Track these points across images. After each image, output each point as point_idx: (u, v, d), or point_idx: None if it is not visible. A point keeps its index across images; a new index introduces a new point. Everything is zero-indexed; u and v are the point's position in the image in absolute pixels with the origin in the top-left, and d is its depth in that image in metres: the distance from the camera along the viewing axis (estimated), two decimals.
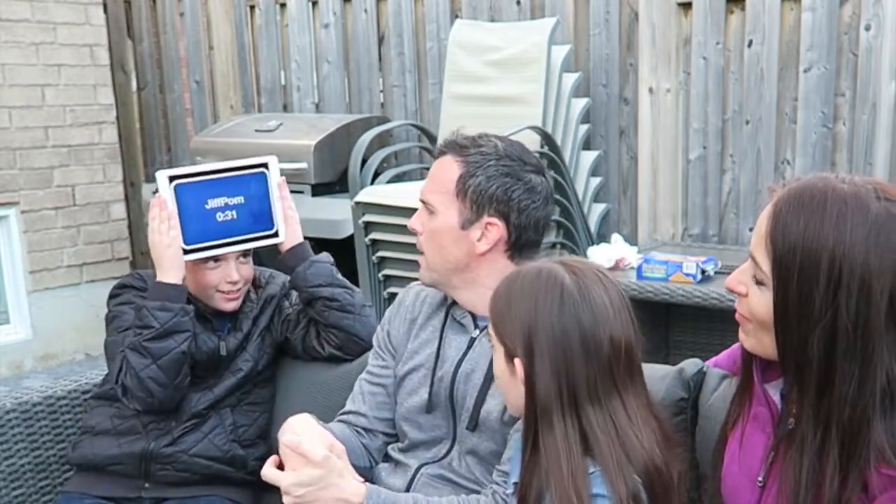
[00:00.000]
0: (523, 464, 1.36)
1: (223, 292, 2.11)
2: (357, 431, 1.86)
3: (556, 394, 1.28)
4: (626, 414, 1.31)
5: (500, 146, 1.73)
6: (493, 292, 1.42)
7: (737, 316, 1.40)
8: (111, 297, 2.16)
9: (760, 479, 1.39)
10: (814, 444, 1.28)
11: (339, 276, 2.16)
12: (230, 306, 2.13)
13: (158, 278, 2.00)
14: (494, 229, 1.70)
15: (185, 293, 2.03)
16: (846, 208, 1.24)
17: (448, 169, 1.73)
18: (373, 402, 1.86)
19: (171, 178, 2.02)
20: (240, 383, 2.16)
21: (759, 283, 1.33)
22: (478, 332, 1.76)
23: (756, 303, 1.34)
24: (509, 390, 1.42)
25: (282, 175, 2.14)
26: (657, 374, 1.74)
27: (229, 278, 2.09)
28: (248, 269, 2.15)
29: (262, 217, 2.11)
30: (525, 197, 1.71)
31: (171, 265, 2.00)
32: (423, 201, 1.76)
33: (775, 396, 1.41)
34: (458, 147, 1.74)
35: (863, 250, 1.23)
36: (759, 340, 1.37)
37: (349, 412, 1.88)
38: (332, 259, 2.18)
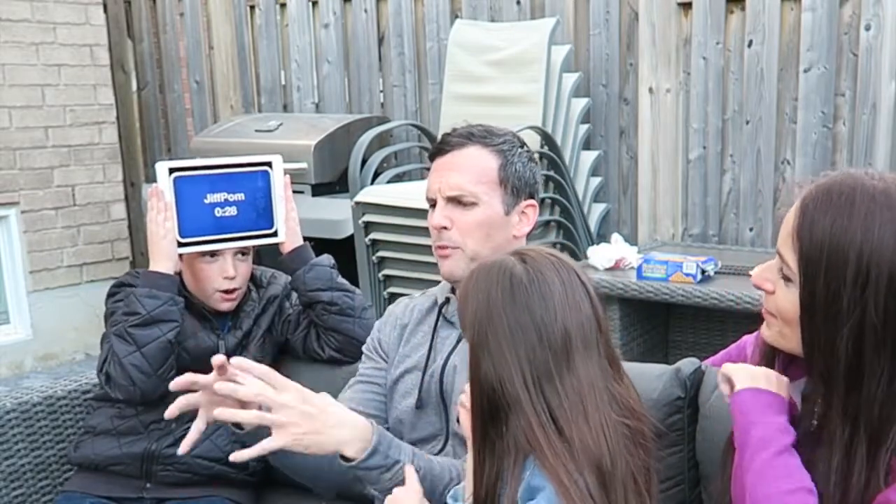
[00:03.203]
0: (480, 465, 1.34)
1: (220, 291, 2.10)
2: None
3: (522, 383, 1.28)
4: (587, 391, 1.30)
5: (512, 133, 1.81)
6: (458, 295, 1.41)
7: (763, 312, 1.39)
8: (109, 295, 2.16)
9: None
10: (842, 441, 1.26)
11: (340, 278, 2.16)
12: (226, 306, 2.12)
13: (150, 267, 2.01)
14: (532, 211, 1.79)
15: (176, 284, 2.02)
16: (875, 205, 1.23)
17: (484, 159, 1.74)
18: (362, 399, 1.85)
19: (171, 170, 2.01)
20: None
21: (786, 279, 1.31)
22: None
23: (783, 300, 1.32)
24: None
25: (286, 174, 2.14)
26: (654, 373, 1.74)
27: (225, 273, 2.09)
28: (245, 267, 2.14)
29: (262, 216, 2.10)
30: (540, 178, 1.83)
31: (163, 256, 2.00)
32: (452, 197, 1.73)
33: (796, 397, 1.40)
34: (478, 137, 1.75)
35: (891, 247, 1.21)
36: (783, 335, 1.36)
37: None
38: (332, 261, 2.17)
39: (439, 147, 1.78)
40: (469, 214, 1.73)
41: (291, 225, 2.13)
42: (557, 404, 1.27)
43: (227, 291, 2.11)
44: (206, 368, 2.12)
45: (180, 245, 2.02)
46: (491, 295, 1.31)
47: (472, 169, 1.73)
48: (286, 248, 2.14)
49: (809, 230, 1.26)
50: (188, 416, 2.09)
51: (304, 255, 2.14)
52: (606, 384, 1.32)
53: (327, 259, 2.16)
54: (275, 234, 2.12)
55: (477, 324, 1.31)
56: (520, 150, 1.78)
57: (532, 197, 1.79)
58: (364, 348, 1.93)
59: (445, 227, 1.74)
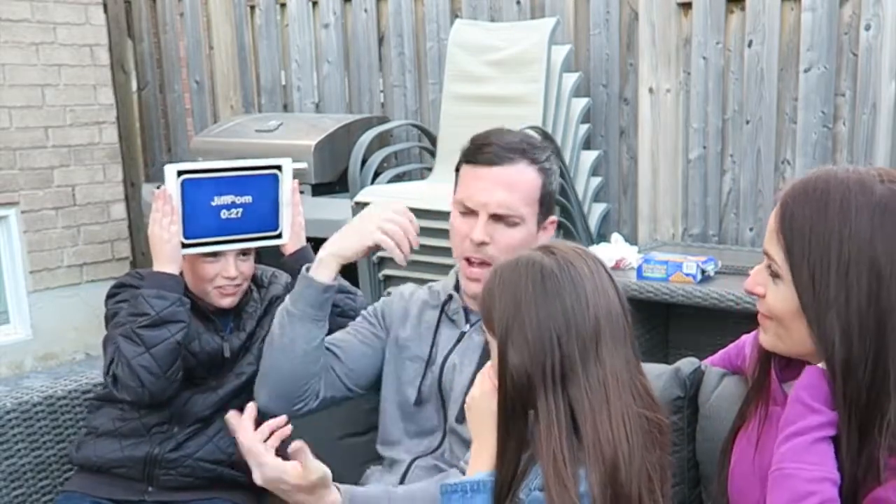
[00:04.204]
0: (501, 460, 1.35)
1: (219, 287, 2.09)
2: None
3: (541, 375, 1.27)
4: (612, 382, 1.30)
5: (551, 147, 1.81)
6: (481, 293, 1.40)
7: (759, 318, 1.41)
8: (109, 296, 2.14)
9: None
10: (842, 430, 1.28)
11: (341, 280, 2.15)
12: (226, 302, 2.11)
13: (155, 268, 1.99)
14: (552, 226, 1.80)
15: (182, 284, 2.02)
16: (850, 193, 1.27)
17: (530, 178, 1.72)
18: (351, 352, 1.87)
19: (180, 173, 2.00)
20: (244, 386, 2.14)
21: (774, 275, 1.34)
22: (468, 326, 1.78)
23: (773, 299, 1.34)
24: None
25: (294, 177, 2.12)
26: (653, 373, 1.74)
27: (226, 273, 2.07)
28: (248, 266, 2.13)
29: (267, 218, 2.09)
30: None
31: (168, 258, 1.99)
32: (499, 215, 1.71)
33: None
34: (526, 152, 1.72)
35: (868, 230, 1.25)
36: (779, 337, 1.37)
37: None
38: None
39: (487, 157, 1.72)
40: (511, 233, 1.71)
41: (297, 229, 2.13)
42: (579, 397, 1.27)
43: (225, 286, 2.11)
44: (210, 370, 2.11)
45: (183, 246, 2.01)
46: (519, 288, 1.31)
47: (523, 189, 1.71)
48: (288, 250, 2.14)
49: (790, 224, 1.30)
50: (189, 421, 2.09)
51: (306, 257, 2.13)
52: (631, 375, 1.32)
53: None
54: (279, 237, 2.12)
55: (505, 318, 1.31)
56: (555, 166, 1.77)
57: (552, 212, 1.79)
58: (364, 313, 1.94)
59: (485, 243, 1.71)
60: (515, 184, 1.71)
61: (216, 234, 2.04)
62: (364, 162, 3.96)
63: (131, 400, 2.02)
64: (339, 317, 2.10)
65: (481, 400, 1.39)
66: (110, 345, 2.03)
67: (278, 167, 2.09)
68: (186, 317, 2.00)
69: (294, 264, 2.12)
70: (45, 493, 2.17)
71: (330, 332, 2.13)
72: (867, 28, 3.49)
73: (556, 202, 1.79)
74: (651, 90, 3.98)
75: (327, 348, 1.85)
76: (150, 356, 1.96)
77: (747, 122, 3.78)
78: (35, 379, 4.51)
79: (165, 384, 1.99)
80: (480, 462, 1.38)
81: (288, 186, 2.10)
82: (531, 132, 3.51)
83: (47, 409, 2.17)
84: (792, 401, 1.32)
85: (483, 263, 1.72)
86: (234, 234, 2.06)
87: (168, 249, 1.99)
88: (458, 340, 1.79)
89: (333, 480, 1.56)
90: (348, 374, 1.86)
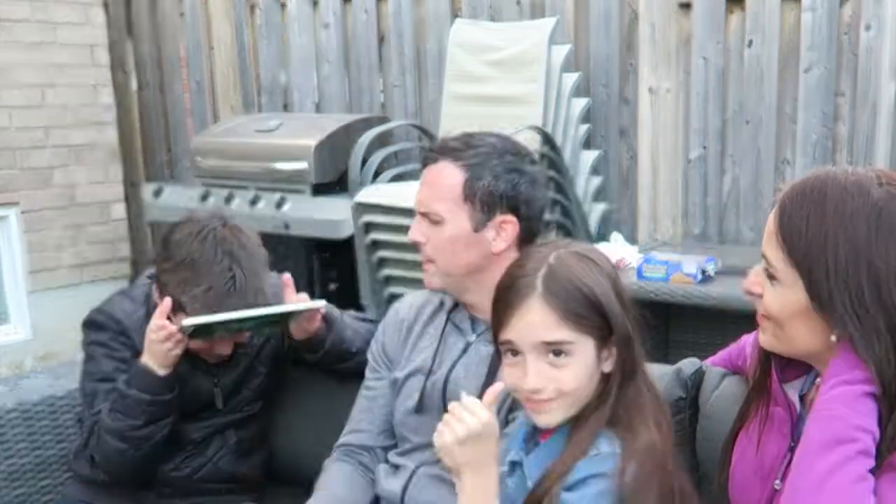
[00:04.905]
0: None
1: (211, 353, 2.02)
2: (357, 452, 1.84)
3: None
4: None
5: (496, 143, 1.74)
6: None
7: (757, 317, 1.42)
8: (86, 325, 2.05)
9: (778, 482, 1.38)
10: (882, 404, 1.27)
11: (350, 321, 2.07)
12: (213, 360, 2.04)
13: (147, 363, 1.90)
14: (509, 227, 1.72)
15: (176, 382, 1.94)
16: (847, 194, 1.27)
17: (448, 175, 1.71)
18: (372, 417, 1.85)
19: (192, 328, 1.86)
20: (240, 420, 2.10)
21: (771, 278, 1.34)
22: (474, 336, 1.75)
23: (770, 300, 1.35)
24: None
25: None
26: (655, 374, 1.74)
27: (222, 352, 2.00)
28: (245, 335, 2.03)
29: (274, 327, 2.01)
30: (530, 189, 1.74)
31: (163, 365, 1.89)
32: (423, 213, 1.72)
33: (793, 397, 1.42)
34: (451, 151, 1.72)
35: (865, 232, 1.25)
36: (776, 337, 1.38)
37: (350, 432, 1.87)
38: (336, 313, 2.06)
39: (422, 160, 1.78)
40: (437, 232, 1.71)
41: (303, 324, 2.01)
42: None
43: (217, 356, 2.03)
44: (202, 410, 2.04)
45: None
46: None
47: (439, 186, 1.71)
48: (296, 336, 2.04)
49: (788, 226, 1.30)
50: (183, 443, 2.05)
51: (315, 343, 2.03)
52: None
53: (339, 324, 2.03)
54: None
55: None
56: (496, 161, 1.70)
57: (514, 211, 1.71)
58: (369, 356, 1.90)
59: (419, 242, 1.73)
60: (433, 182, 1.73)
61: (219, 335, 1.95)
62: (364, 162, 3.96)
63: (109, 481, 2.00)
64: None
65: (489, 426, 1.34)
66: (88, 415, 1.97)
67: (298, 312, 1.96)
68: (176, 408, 1.95)
69: (303, 349, 2.03)
70: (45, 493, 2.17)
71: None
72: (867, 28, 3.49)
73: (554, 200, 1.77)
74: (651, 90, 3.98)
75: (357, 438, 1.84)
76: (135, 453, 1.93)
77: (747, 123, 3.78)
78: (35, 379, 4.49)
79: (149, 472, 1.99)
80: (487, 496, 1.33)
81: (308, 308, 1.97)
82: (530, 131, 3.53)
83: (47, 409, 2.18)
84: (841, 354, 1.30)
85: (429, 262, 1.74)
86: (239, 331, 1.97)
87: (167, 361, 1.90)
88: (464, 351, 1.76)
89: None
90: (382, 432, 1.84)
